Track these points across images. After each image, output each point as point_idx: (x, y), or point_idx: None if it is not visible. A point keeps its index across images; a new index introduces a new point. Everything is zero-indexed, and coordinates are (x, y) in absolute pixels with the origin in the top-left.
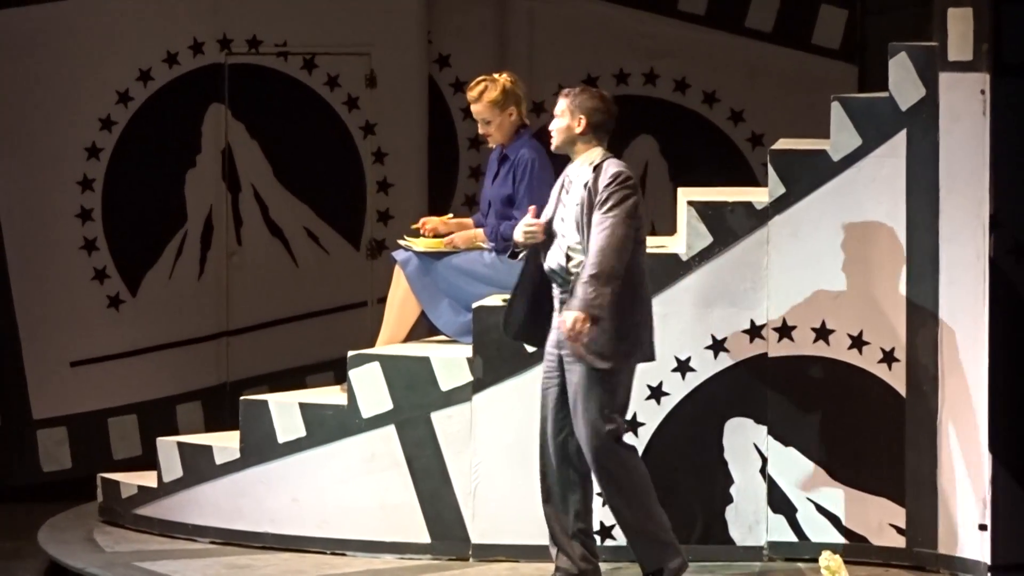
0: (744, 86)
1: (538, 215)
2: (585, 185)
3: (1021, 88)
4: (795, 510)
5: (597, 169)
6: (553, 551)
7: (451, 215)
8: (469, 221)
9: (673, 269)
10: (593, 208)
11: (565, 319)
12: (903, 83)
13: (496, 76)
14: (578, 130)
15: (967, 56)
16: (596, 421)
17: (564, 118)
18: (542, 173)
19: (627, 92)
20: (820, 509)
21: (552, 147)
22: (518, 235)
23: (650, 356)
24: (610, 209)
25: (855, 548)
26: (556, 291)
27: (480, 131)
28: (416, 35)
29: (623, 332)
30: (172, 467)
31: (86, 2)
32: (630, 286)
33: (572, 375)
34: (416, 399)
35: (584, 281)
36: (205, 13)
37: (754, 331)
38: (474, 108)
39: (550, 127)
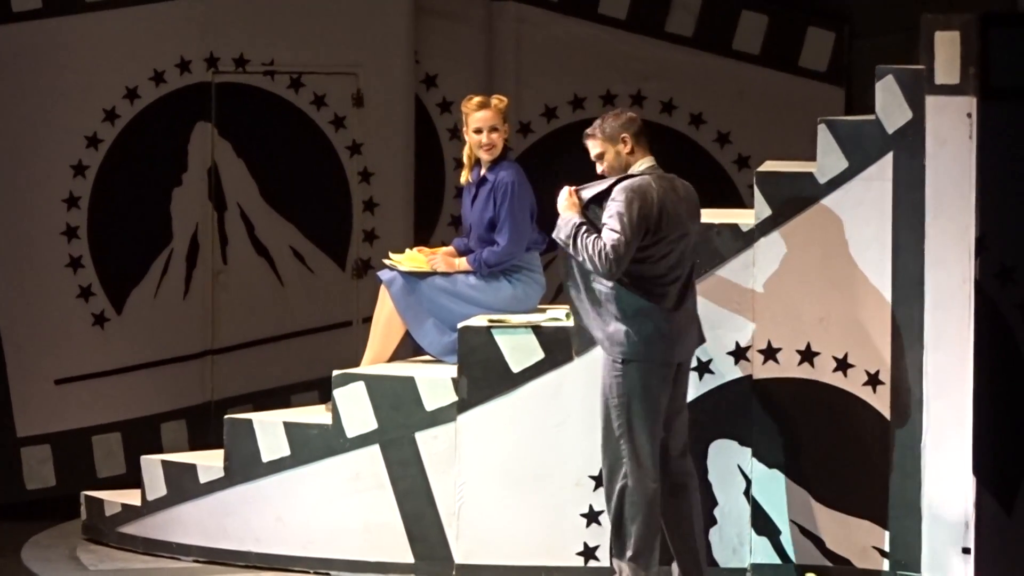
0: (731, 108)
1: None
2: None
3: (1008, 112)
4: (779, 532)
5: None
6: None
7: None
8: (452, 250)
9: None
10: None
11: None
12: (890, 106)
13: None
14: (627, 151)
15: (954, 79)
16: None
17: (607, 151)
18: (521, 194)
19: None
20: (804, 531)
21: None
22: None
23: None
24: (611, 230)
25: (839, 571)
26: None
27: (485, 141)
28: (403, 55)
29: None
30: (156, 485)
31: (73, 20)
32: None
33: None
34: (401, 419)
35: (580, 229)
36: (192, 32)
37: (739, 353)
38: (483, 115)
39: (601, 171)
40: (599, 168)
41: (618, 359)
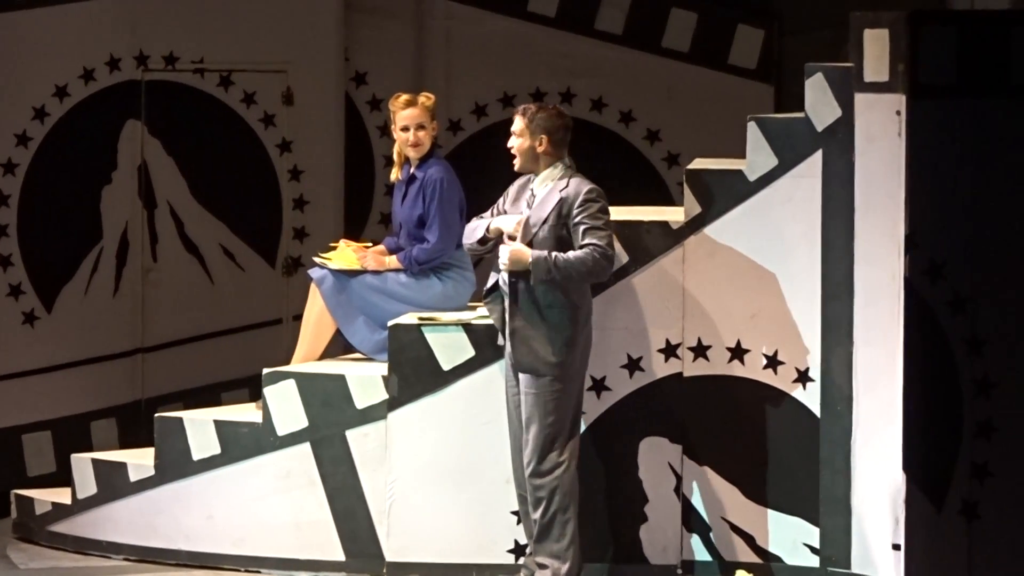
0: (661, 105)
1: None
2: (555, 201)
3: (936, 109)
4: (709, 529)
5: (567, 185)
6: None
7: (369, 243)
8: (383, 248)
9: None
10: (565, 220)
11: (512, 249)
12: (819, 104)
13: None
14: (540, 149)
15: (883, 77)
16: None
17: (524, 139)
18: (450, 191)
19: None
20: (734, 528)
21: (516, 167)
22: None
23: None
24: (597, 230)
25: (769, 568)
26: (506, 301)
27: (412, 139)
28: (333, 53)
29: (575, 345)
30: (86, 484)
31: (2, 18)
32: (586, 301)
33: (523, 386)
34: (331, 417)
35: (556, 257)
36: (122, 29)
37: (669, 350)
38: (410, 113)
39: (509, 146)
40: (511, 142)
41: (556, 372)
